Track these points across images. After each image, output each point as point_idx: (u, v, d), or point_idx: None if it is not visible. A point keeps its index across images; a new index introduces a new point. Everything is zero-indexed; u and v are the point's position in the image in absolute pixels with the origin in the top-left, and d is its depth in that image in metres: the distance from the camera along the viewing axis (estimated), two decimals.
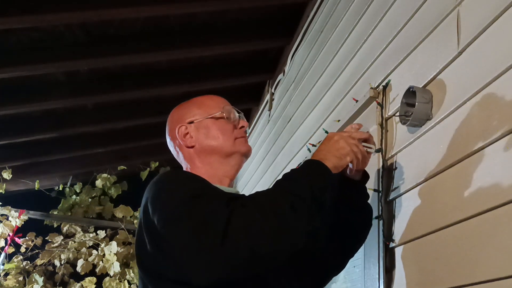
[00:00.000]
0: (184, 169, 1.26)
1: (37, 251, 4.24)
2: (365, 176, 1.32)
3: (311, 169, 1.09)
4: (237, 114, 1.29)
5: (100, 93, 3.29)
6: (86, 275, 4.18)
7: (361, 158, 1.18)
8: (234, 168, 1.25)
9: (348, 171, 1.25)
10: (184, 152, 1.26)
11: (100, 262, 4.16)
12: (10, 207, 4.13)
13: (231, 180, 1.26)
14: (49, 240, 4.29)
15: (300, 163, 1.29)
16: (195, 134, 1.24)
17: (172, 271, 1.00)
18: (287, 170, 2.73)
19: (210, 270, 0.91)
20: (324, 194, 1.04)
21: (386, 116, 1.54)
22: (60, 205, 4.48)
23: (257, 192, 1.05)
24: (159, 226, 0.99)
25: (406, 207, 1.35)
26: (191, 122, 1.25)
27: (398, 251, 1.36)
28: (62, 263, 4.27)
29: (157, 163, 4.50)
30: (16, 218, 4.12)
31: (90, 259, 4.19)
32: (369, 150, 1.24)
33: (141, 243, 1.06)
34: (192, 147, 1.24)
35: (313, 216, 1.01)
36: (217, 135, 1.24)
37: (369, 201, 1.51)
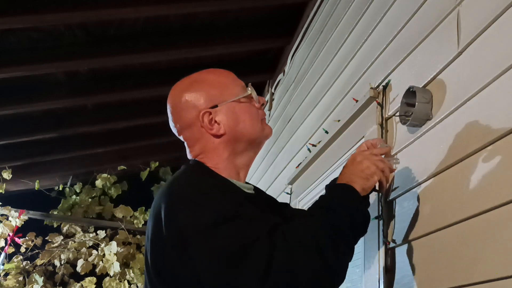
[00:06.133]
0: (201, 157, 1.12)
1: (37, 251, 4.25)
2: None
3: (345, 196, 1.05)
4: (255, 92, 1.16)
5: (100, 93, 3.30)
6: (86, 275, 4.19)
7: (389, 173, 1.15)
8: (256, 153, 1.17)
9: (378, 188, 1.20)
10: (207, 141, 1.11)
11: (100, 262, 4.17)
12: (10, 207, 4.13)
13: (249, 168, 1.17)
14: (49, 240, 4.30)
15: (329, 185, 1.19)
16: (223, 120, 1.10)
17: None
18: (287, 170, 2.73)
19: None
20: (360, 220, 1.03)
21: (386, 116, 1.54)
22: (60, 205, 4.49)
23: (297, 223, 0.99)
24: (193, 245, 0.91)
25: (406, 207, 1.35)
26: (214, 106, 1.10)
27: (398, 251, 1.36)
28: (62, 263, 4.27)
29: (157, 163, 4.51)
30: (16, 218, 4.12)
31: (90, 259, 4.20)
32: (394, 162, 1.22)
33: (161, 251, 0.98)
34: (221, 135, 1.10)
35: (352, 245, 1.00)
36: (246, 120, 1.11)
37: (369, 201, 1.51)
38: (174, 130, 1.17)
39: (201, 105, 1.11)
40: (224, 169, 1.09)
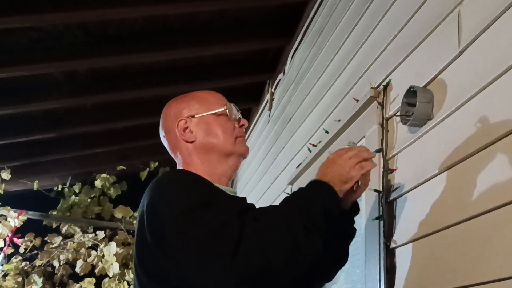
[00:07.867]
0: (181, 164, 1.22)
1: (36, 251, 4.24)
2: (355, 208, 1.25)
3: (322, 190, 1.07)
4: (238, 112, 1.27)
5: (100, 93, 3.29)
6: (85, 276, 4.18)
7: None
8: (232, 168, 1.23)
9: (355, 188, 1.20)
10: (182, 147, 1.22)
11: (99, 263, 4.16)
12: (9, 208, 4.13)
13: (229, 179, 1.24)
14: (48, 240, 4.29)
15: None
16: (195, 129, 1.21)
17: (180, 280, 0.97)
18: (287, 170, 2.72)
19: (219, 283, 0.90)
20: (333, 216, 1.04)
21: (387, 116, 1.54)
22: (59, 205, 4.48)
23: (270, 208, 1.04)
24: (168, 234, 0.96)
25: (407, 207, 1.35)
26: (191, 117, 1.22)
27: (399, 252, 1.36)
28: (61, 263, 4.26)
29: (156, 163, 4.51)
30: (15, 218, 4.12)
31: (89, 259, 4.19)
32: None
33: (144, 247, 1.03)
34: (192, 142, 1.21)
35: (323, 237, 1.01)
36: (218, 133, 1.21)
37: (370, 201, 1.51)
38: (161, 135, 1.29)
39: (182, 115, 1.23)
40: (206, 175, 1.13)
